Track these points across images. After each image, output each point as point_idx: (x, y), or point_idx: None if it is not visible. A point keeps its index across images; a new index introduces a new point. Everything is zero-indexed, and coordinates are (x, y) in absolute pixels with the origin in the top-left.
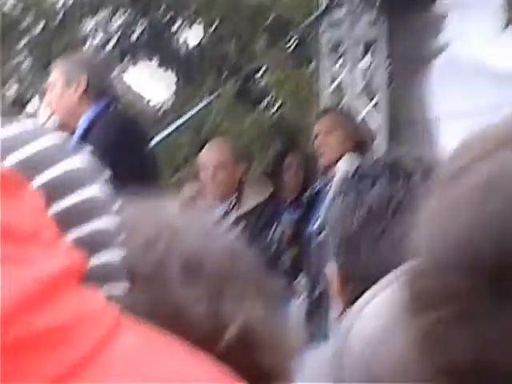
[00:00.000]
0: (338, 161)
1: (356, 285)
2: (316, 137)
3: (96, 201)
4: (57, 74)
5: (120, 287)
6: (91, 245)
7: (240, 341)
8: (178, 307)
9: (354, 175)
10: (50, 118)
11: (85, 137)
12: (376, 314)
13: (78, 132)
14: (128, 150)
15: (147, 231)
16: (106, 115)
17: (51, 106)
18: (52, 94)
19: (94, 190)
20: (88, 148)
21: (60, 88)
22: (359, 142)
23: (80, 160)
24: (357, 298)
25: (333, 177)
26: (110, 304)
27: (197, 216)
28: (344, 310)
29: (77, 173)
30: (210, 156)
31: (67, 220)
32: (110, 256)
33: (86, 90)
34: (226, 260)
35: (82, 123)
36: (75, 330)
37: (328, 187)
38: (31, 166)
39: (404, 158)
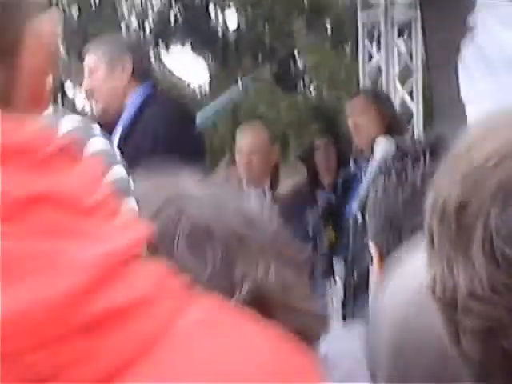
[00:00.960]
0: (371, 143)
1: None
2: (349, 118)
3: (122, 181)
4: (96, 58)
5: None
6: None
7: (255, 301)
8: (186, 274)
9: (395, 155)
10: (91, 102)
11: (137, 118)
12: (408, 276)
13: (129, 114)
14: (183, 131)
15: (159, 200)
16: (157, 96)
17: (94, 90)
18: (94, 79)
19: (120, 171)
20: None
21: (103, 72)
22: (394, 124)
23: (102, 142)
24: None
25: (366, 159)
26: (179, 275)
27: (213, 186)
28: None
29: (101, 154)
30: (244, 140)
31: None
32: None
33: (131, 74)
34: (238, 223)
35: (132, 105)
36: (150, 302)
37: (363, 169)
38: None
39: (444, 137)
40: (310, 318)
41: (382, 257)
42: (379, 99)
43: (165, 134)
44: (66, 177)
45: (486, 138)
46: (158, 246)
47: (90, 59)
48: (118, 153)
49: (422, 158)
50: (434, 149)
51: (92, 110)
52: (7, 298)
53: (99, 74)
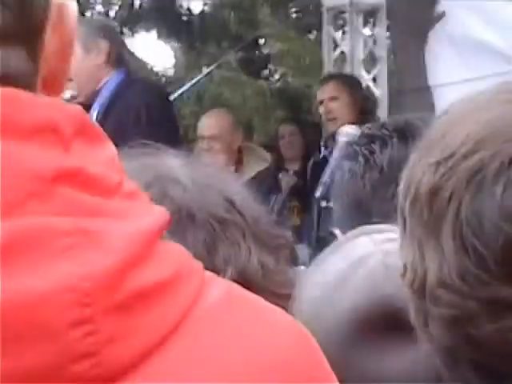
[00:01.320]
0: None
1: None
2: (320, 103)
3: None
4: None
5: None
6: None
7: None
8: None
9: (362, 139)
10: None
11: (111, 105)
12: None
13: (105, 96)
14: (162, 112)
15: (145, 179)
16: (133, 79)
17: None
18: None
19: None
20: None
21: (78, 54)
22: (365, 108)
23: None
24: None
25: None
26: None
27: (198, 169)
28: None
29: None
30: (206, 127)
31: None
32: None
33: (106, 57)
34: (220, 207)
35: (105, 90)
36: (176, 283)
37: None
38: None
39: (411, 121)
40: (285, 305)
41: None
42: (351, 84)
43: (146, 111)
44: (89, 156)
45: (459, 124)
46: None
47: None
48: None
49: (389, 143)
50: (402, 133)
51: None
52: (49, 273)
53: (75, 57)
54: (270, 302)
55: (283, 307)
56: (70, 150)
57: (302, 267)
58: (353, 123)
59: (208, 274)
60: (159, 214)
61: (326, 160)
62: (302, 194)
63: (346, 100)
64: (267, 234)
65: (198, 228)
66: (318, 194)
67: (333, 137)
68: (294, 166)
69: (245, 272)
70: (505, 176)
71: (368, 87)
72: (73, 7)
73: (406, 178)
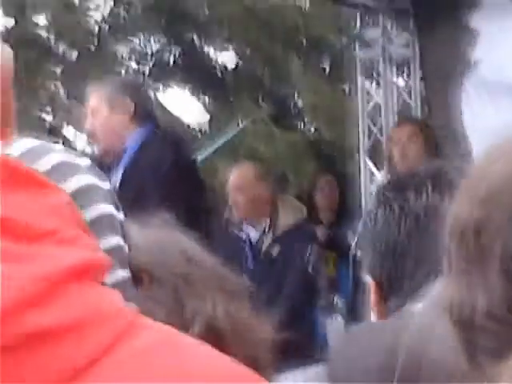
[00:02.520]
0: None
1: (399, 296)
2: (395, 145)
3: (104, 218)
4: (98, 99)
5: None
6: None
7: (208, 337)
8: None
9: (394, 186)
10: (92, 143)
11: (136, 163)
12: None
13: (129, 155)
14: (182, 170)
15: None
16: (156, 138)
17: (95, 131)
18: (95, 119)
19: (102, 208)
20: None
21: (104, 113)
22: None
23: (85, 177)
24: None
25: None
26: (127, 304)
27: (155, 232)
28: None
29: (88, 189)
30: (230, 179)
31: None
32: (118, 275)
33: (132, 115)
34: (181, 264)
35: (131, 147)
36: (84, 328)
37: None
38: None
39: (444, 167)
40: (260, 347)
41: (381, 289)
42: (426, 127)
43: (164, 172)
44: (14, 203)
45: (500, 161)
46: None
47: (93, 100)
48: (104, 187)
49: (423, 190)
50: (435, 180)
51: (93, 151)
52: None
53: (101, 115)
54: (240, 348)
55: (264, 358)
56: None
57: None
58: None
59: (144, 321)
60: (84, 258)
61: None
62: (338, 244)
63: (420, 143)
64: (228, 282)
65: (164, 286)
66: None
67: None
68: (329, 217)
69: (212, 322)
70: None
71: None
72: (7, 55)
73: (451, 215)
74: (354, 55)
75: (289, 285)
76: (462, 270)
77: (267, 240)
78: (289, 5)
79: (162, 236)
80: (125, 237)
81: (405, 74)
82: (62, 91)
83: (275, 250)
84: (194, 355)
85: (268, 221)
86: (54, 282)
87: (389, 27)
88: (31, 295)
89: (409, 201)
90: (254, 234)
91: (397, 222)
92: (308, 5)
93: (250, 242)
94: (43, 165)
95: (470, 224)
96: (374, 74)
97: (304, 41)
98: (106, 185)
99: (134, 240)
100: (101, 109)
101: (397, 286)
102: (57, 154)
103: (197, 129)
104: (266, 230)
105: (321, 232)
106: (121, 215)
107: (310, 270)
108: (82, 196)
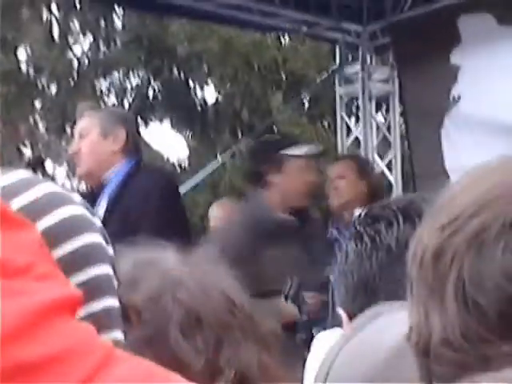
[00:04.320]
0: (351, 208)
1: None
2: (330, 182)
3: (94, 247)
4: (90, 122)
5: (118, 334)
6: (92, 290)
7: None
8: (180, 361)
9: (365, 219)
10: (77, 164)
11: (120, 195)
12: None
13: (112, 188)
14: (171, 204)
15: (152, 283)
16: (143, 168)
17: (82, 153)
18: (84, 141)
19: (92, 237)
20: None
21: (95, 137)
22: (376, 194)
23: (76, 208)
24: None
25: (346, 225)
26: (103, 337)
27: (197, 265)
28: None
29: (74, 220)
30: (212, 217)
31: (66, 266)
32: (109, 302)
33: (122, 145)
34: (223, 310)
35: (116, 176)
36: (65, 360)
37: (344, 235)
38: (31, 212)
39: (414, 200)
40: None
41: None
42: (361, 165)
43: (154, 200)
44: None
45: (464, 191)
46: (152, 333)
47: (84, 122)
48: (95, 221)
49: (395, 222)
50: (407, 212)
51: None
52: None
53: (90, 138)
54: None
55: None
56: None
57: None
58: (363, 206)
59: (120, 353)
60: (62, 294)
61: (336, 241)
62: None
63: (352, 177)
64: (263, 329)
65: (205, 332)
66: (330, 275)
67: (338, 217)
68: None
69: (244, 371)
70: (505, 237)
71: (382, 173)
72: None
73: (414, 242)
74: (334, 90)
75: None
76: (422, 296)
77: None
78: (267, 40)
79: (205, 273)
80: (114, 267)
81: (384, 110)
82: (41, 125)
83: None
84: (165, 381)
85: None
86: (38, 317)
87: (368, 62)
88: (16, 329)
89: (380, 233)
90: None
91: (368, 255)
92: (287, 40)
93: None
94: (32, 194)
95: (429, 250)
96: (354, 109)
97: (283, 75)
98: (96, 219)
99: (176, 276)
100: (92, 132)
101: None
102: (48, 184)
103: (176, 164)
104: None
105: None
106: (110, 248)
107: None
108: (73, 224)
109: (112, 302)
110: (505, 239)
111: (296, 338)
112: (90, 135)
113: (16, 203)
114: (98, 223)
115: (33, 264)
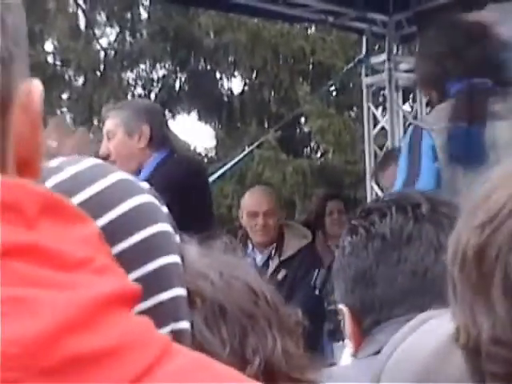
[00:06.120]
0: None
1: (372, 318)
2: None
3: (166, 236)
4: (114, 122)
5: (185, 324)
6: (163, 279)
7: (263, 374)
8: (206, 352)
9: (359, 213)
10: None
11: (151, 180)
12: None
13: (144, 176)
14: (197, 190)
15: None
16: (171, 160)
17: (110, 154)
18: (112, 143)
19: (164, 226)
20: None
21: (121, 137)
22: None
23: (147, 197)
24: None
25: None
26: (170, 327)
27: (219, 258)
28: (356, 349)
29: (143, 209)
30: (247, 204)
31: (139, 255)
32: (178, 292)
33: (148, 141)
34: (248, 299)
35: (145, 171)
36: (123, 353)
37: None
38: (98, 204)
39: (405, 192)
40: None
41: (355, 315)
42: None
43: (180, 185)
44: (53, 233)
45: (499, 187)
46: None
47: (109, 124)
48: (164, 209)
49: (388, 212)
50: (398, 203)
51: None
52: None
53: (117, 139)
54: None
55: None
56: (34, 228)
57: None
58: None
59: (178, 347)
60: (119, 287)
61: None
62: None
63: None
64: (287, 318)
65: (230, 322)
66: None
67: None
68: (336, 242)
69: (270, 361)
70: None
71: None
72: (39, 89)
73: (452, 243)
74: (360, 80)
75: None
76: (467, 296)
77: (273, 264)
78: (295, 30)
79: (226, 264)
80: (182, 256)
81: (410, 99)
82: (68, 117)
83: (281, 274)
84: (227, 377)
85: (274, 245)
86: (95, 309)
87: (394, 52)
88: (73, 321)
89: (374, 223)
90: (259, 259)
91: (364, 244)
92: (314, 31)
93: (256, 267)
94: (103, 183)
95: (470, 249)
96: (380, 99)
97: (310, 66)
98: (164, 207)
99: (195, 263)
100: (117, 133)
101: (369, 306)
102: (118, 173)
103: (203, 154)
104: (273, 254)
105: (327, 257)
106: (177, 236)
107: (317, 293)
108: (142, 213)
109: (181, 291)
110: None
111: (324, 328)
112: (116, 136)
113: (88, 192)
114: (166, 211)
115: (91, 257)
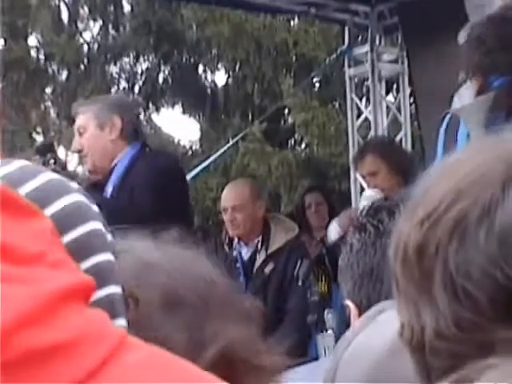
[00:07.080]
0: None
1: None
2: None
3: (97, 235)
4: (86, 117)
5: (122, 321)
6: (97, 277)
7: (222, 360)
8: (163, 339)
9: (368, 211)
10: (81, 161)
11: (125, 177)
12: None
13: (117, 173)
14: (172, 189)
15: (125, 272)
16: (145, 155)
17: (83, 149)
18: (84, 138)
19: (95, 225)
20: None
21: (92, 131)
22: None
23: (77, 196)
24: None
25: None
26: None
27: (171, 250)
28: None
29: (76, 208)
30: (226, 198)
31: (71, 254)
32: (113, 289)
33: (120, 132)
34: (202, 287)
35: (120, 165)
36: (78, 346)
37: None
38: (36, 201)
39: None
40: (267, 373)
41: (362, 312)
42: (390, 154)
43: (153, 190)
44: (9, 228)
45: (437, 183)
46: (138, 317)
47: (80, 119)
48: (95, 208)
49: (396, 211)
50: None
51: (84, 171)
52: None
53: (89, 134)
54: (251, 374)
55: (262, 379)
56: None
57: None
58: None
59: (133, 340)
60: (75, 281)
61: None
62: (330, 261)
63: (385, 172)
64: (243, 305)
65: (185, 309)
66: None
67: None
68: (320, 234)
69: (229, 346)
70: (486, 222)
71: None
72: None
73: (394, 240)
74: (343, 72)
75: (283, 302)
76: (410, 293)
77: (260, 258)
78: (277, 23)
79: (178, 255)
80: (114, 254)
81: (394, 90)
82: (52, 111)
83: (268, 268)
84: (182, 370)
85: (260, 239)
86: (51, 303)
87: (377, 43)
88: (29, 315)
89: (382, 221)
90: (245, 252)
91: (372, 241)
92: (296, 23)
93: (242, 260)
94: (33, 183)
95: (411, 246)
96: (364, 91)
97: (294, 58)
98: (95, 206)
99: (149, 257)
100: (88, 127)
101: (375, 303)
102: (48, 173)
103: (187, 146)
104: (259, 247)
105: (312, 248)
106: (109, 235)
107: (299, 284)
108: (74, 212)
109: (115, 289)
110: (486, 224)
111: (307, 319)
112: (88, 130)
113: (21, 191)
114: (97, 210)
115: (45, 251)
